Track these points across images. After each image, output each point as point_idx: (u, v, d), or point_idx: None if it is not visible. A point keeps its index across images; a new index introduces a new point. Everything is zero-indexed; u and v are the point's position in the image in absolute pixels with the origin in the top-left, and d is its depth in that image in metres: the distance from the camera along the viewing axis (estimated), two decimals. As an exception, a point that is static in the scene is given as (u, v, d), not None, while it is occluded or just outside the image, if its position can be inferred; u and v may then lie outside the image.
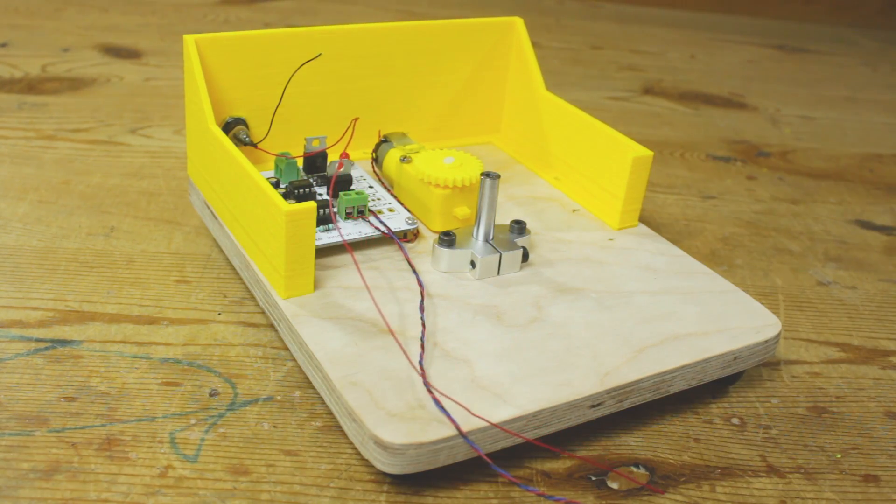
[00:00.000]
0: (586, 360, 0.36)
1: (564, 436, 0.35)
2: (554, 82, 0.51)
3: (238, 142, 0.45)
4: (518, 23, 0.52)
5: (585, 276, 0.41)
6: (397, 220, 0.43)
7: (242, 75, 0.45)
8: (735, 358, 0.37)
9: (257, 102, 0.46)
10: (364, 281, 0.39)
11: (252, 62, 0.45)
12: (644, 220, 0.50)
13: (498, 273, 0.41)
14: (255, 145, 0.45)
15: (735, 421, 0.38)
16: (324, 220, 0.41)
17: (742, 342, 0.37)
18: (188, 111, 0.44)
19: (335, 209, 0.42)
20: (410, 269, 0.40)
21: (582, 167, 0.48)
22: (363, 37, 0.48)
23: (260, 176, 0.37)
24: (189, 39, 0.43)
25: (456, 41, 0.50)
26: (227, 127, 0.45)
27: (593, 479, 0.34)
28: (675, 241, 0.46)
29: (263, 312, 0.41)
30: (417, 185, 0.43)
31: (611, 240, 0.45)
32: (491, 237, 0.41)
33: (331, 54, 0.47)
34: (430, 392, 0.33)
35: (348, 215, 0.42)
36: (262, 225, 0.37)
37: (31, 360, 0.38)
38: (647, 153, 0.44)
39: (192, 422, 0.35)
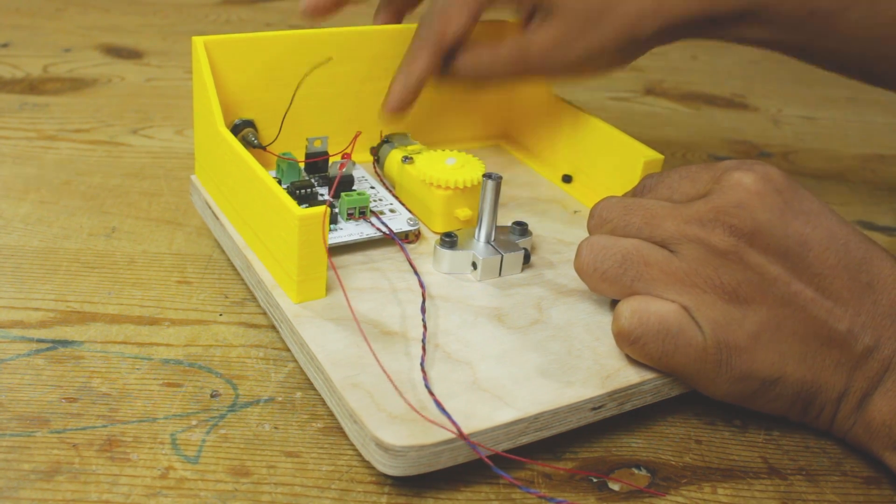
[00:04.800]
0: (588, 363, 0.36)
1: (565, 437, 0.35)
2: (555, 83, 0.51)
3: (247, 144, 0.45)
4: None
5: (587, 278, 0.41)
6: (399, 221, 0.43)
7: (251, 77, 0.45)
8: (737, 360, 0.37)
9: (265, 104, 0.46)
10: (349, 305, 0.39)
11: (260, 64, 0.45)
12: (645, 221, 0.49)
13: (499, 274, 0.41)
14: (264, 148, 0.45)
15: (736, 422, 0.38)
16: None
17: (744, 344, 0.37)
18: (196, 113, 0.44)
19: (337, 210, 0.42)
20: (412, 270, 0.40)
21: (591, 170, 0.48)
22: (371, 39, 0.48)
23: (271, 180, 0.37)
24: (198, 41, 0.43)
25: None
26: (236, 129, 0.45)
27: (595, 480, 0.34)
28: (676, 242, 0.45)
29: (265, 313, 0.41)
30: (419, 185, 0.43)
31: (612, 241, 0.45)
32: (492, 238, 0.41)
33: (339, 56, 0.47)
34: (430, 394, 0.33)
35: (350, 216, 0.42)
36: (274, 230, 0.37)
37: (33, 361, 0.38)
38: (658, 156, 0.44)
39: (194, 423, 0.35)
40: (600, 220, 0.38)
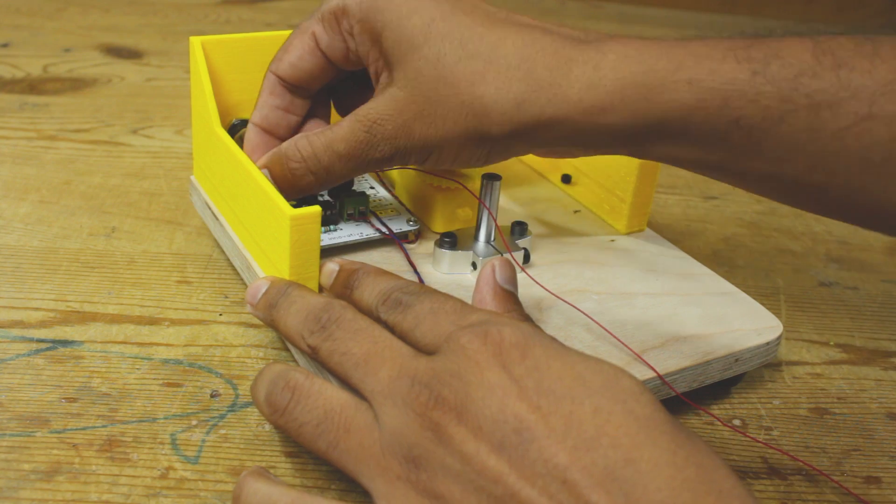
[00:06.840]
0: (587, 362, 0.36)
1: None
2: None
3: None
4: None
5: (587, 278, 0.41)
6: (399, 221, 0.43)
7: (248, 77, 0.45)
8: (736, 360, 0.37)
9: None
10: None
11: (258, 64, 0.45)
12: (645, 220, 0.50)
13: (499, 274, 0.41)
14: None
15: (736, 422, 0.38)
16: (326, 222, 0.41)
17: (743, 344, 0.37)
18: (194, 113, 0.44)
19: (336, 210, 0.42)
20: (412, 270, 0.40)
21: (591, 170, 0.48)
22: None
23: (265, 179, 0.37)
24: (195, 41, 0.43)
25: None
26: (234, 129, 0.45)
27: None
28: (676, 241, 0.46)
29: (264, 313, 0.41)
30: (419, 186, 0.43)
31: (612, 241, 0.45)
32: (492, 239, 0.41)
33: None
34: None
35: (350, 216, 0.42)
36: (267, 229, 0.37)
37: (33, 361, 0.38)
38: None
39: (194, 423, 0.35)
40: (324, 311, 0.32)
